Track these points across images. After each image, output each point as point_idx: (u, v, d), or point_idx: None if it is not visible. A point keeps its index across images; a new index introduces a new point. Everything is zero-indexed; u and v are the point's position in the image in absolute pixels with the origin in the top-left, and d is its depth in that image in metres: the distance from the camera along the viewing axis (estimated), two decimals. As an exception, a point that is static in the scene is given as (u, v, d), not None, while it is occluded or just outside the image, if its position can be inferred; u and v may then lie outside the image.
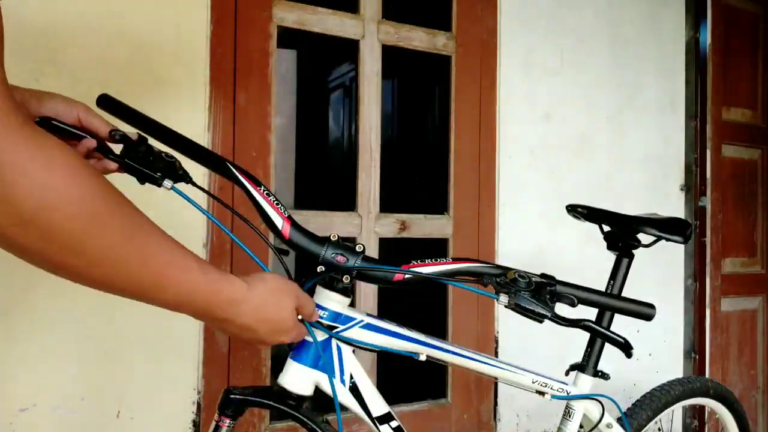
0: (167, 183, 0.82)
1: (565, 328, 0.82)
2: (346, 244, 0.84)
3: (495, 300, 0.81)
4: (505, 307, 0.80)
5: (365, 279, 0.85)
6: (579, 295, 0.83)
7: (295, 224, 0.83)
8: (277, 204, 0.83)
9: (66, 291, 1.35)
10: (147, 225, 0.58)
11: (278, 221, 0.82)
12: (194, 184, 0.85)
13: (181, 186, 0.84)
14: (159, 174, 0.82)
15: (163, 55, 1.47)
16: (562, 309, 0.79)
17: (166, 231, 0.61)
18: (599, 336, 0.85)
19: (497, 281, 0.81)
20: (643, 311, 0.86)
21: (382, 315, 0.94)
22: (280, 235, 0.82)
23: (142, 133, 0.83)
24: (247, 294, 0.69)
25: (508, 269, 0.82)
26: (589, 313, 0.86)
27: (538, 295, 0.79)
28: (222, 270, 0.68)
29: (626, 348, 0.85)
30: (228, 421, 0.84)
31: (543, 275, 0.82)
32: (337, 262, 0.82)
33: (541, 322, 0.78)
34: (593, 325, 0.83)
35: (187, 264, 0.62)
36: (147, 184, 0.83)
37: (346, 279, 0.82)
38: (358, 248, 0.83)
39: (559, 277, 0.85)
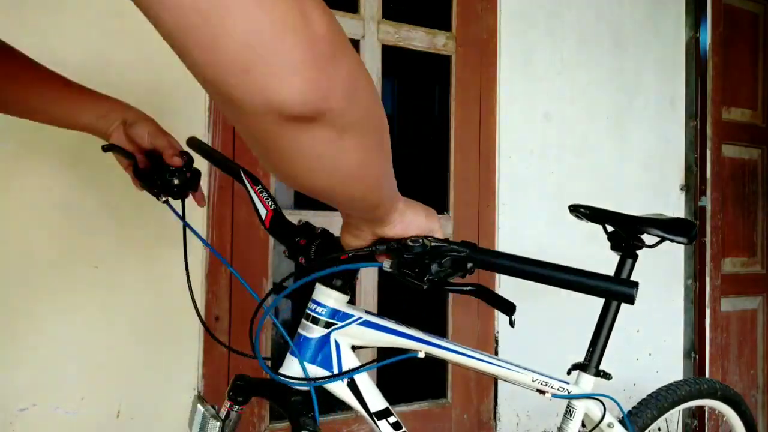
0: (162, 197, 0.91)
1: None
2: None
3: (380, 267, 0.73)
4: (386, 271, 0.73)
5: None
6: (509, 265, 0.69)
7: (278, 214, 0.84)
8: (267, 199, 0.87)
9: (66, 291, 1.35)
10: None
11: (263, 211, 0.86)
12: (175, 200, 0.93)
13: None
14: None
15: (164, 55, 1.47)
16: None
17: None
18: (487, 300, 0.79)
19: (388, 247, 0.73)
20: (617, 290, 0.64)
21: (381, 313, 0.94)
22: (263, 224, 0.86)
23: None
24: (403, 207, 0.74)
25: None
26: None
27: (432, 261, 0.70)
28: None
29: (510, 310, 0.75)
30: (236, 407, 0.86)
31: (464, 243, 0.72)
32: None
33: (421, 288, 0.71)
34: (482, 288, 0.79)
35: (389, 167, 0.62)
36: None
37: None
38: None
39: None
